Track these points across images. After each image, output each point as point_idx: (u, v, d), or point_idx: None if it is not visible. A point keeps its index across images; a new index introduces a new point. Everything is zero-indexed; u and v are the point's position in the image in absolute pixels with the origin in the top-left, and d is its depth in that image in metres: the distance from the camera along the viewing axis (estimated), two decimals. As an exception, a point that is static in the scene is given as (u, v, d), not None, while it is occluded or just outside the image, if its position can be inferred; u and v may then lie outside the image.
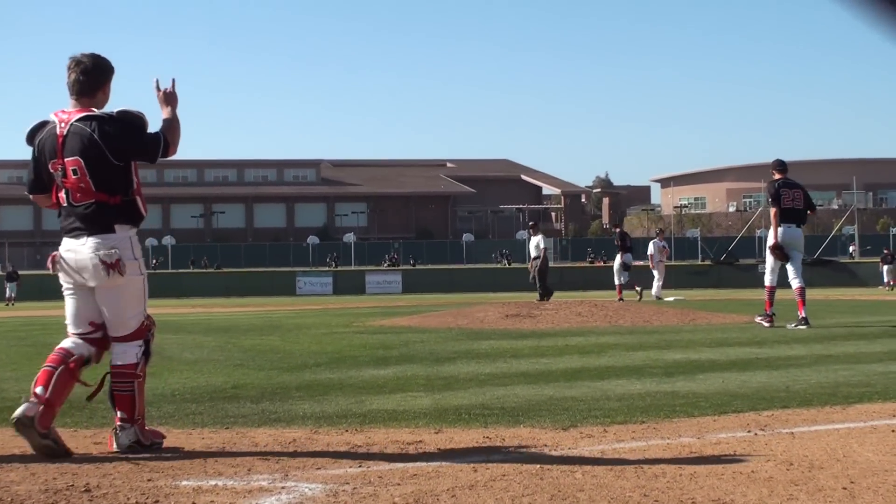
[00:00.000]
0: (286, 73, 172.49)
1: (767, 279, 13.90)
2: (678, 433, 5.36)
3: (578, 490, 4.02)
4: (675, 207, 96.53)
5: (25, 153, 5.10)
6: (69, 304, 5.04)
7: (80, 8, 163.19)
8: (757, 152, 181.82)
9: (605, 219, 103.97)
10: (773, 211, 13.78)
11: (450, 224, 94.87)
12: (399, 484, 4.16)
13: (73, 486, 4.17)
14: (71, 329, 5.04)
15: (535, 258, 22.38)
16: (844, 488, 4.00)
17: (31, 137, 5.03)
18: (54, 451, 4.71)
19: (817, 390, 7.04)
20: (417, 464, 4.58)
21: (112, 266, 4.84)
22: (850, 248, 64.30)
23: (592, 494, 3.95)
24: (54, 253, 5.02)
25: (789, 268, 13.63)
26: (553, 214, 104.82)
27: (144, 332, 5.08)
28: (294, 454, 4.85)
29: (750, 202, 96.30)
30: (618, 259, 25.97)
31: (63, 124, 4.90)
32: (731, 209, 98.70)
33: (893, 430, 5.37)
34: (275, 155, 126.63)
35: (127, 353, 5.01)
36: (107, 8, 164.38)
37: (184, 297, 42.73)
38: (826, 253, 52.03)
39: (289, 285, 48.51)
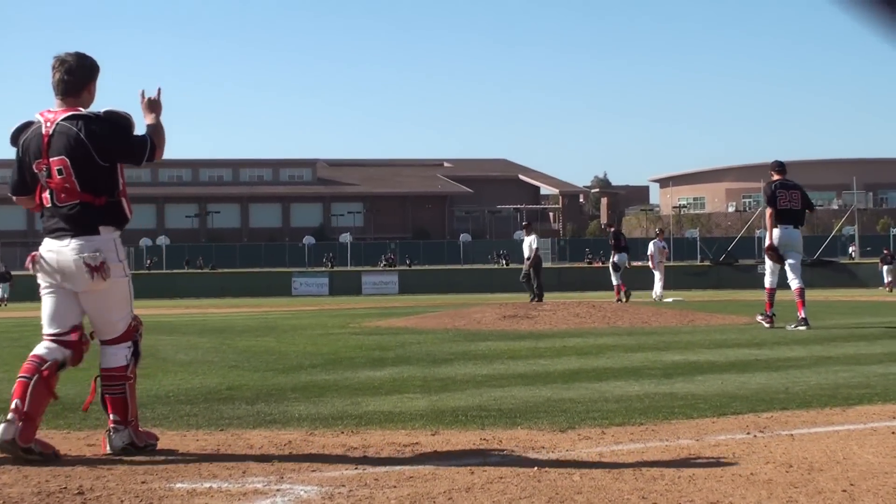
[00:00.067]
0: (282, 72, 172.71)
1: (767, 281, 13.89)
2: (677, 435, 5.34)
3: (576, 492, 3.99)
4: (674, 208, 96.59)
5: (11, 154, 5.03)
6: (46, 303, 4.92)
7: (75, 7, 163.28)
8: (756, 152, 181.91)
9: (604, 219, 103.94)
10: (768, 212, 13.77)
11: (447, 224, 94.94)
12: (395, 486, 4.14)
13: (66, 488, 4.15)
14: (46, 329, 4.91)
15: (528, 258, 22.48)
16: (844, 491, 3.99)
17: (14, 138, 4.97)
18: (42, 462, 4.65)
19: (817, 392, 7.02)
20: (414, 466, 4.56)
21: (96, 269, 4.76)
22: (850, 249, 64.15)
23: (590, 497, 3.93)
24: (34, 252, 4.92)
25: (788, 269, 13.62)
26: (551, 214, 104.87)
27: (132, 334, 5.03)
28: (289, 456, 4.83)
29: (749, 202, 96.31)
30: (611, 259, 25.98)
31: (49, 124, 4.84)
32: (731, 209, 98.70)
33: (893, 433, 5.35)
34: (270, 154, 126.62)
35: (116, 356, 4.97)
36: (101, 7, 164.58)
37: (178, 297, 42.77)
38: (826, 253, 52.09)
39: (284, 286, 48.45)
